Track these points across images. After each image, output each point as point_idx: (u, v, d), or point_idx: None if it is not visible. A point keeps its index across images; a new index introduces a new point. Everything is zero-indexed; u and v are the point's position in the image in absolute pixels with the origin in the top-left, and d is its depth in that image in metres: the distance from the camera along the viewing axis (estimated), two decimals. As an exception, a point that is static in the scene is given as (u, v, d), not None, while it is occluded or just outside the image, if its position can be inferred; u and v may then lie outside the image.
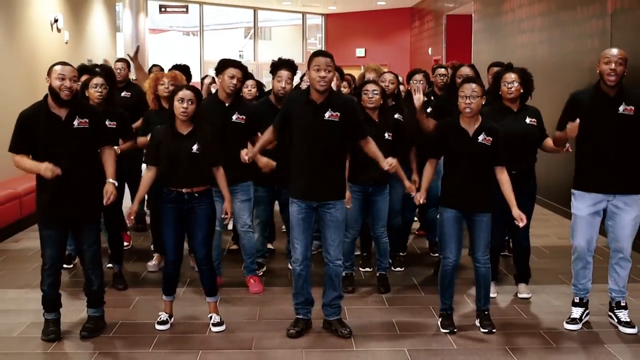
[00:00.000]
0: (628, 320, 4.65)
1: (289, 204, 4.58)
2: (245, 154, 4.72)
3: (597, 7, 7.69)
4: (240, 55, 22.15)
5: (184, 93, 4.47)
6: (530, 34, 9.86)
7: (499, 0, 11.43)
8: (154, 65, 7.97)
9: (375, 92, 5.19)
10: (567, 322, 4.73)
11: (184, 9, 18.95)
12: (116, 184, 4.44)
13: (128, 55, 5.90)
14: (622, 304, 4.71)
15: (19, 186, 7.63)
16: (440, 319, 4.70)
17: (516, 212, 4.44)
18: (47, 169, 4.14)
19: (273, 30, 25.70)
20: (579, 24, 8.17)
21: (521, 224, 4.45)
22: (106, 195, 4.35)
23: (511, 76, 5.01)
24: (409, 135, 5.57)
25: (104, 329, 4.63)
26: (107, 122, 5.28)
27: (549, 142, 5.05)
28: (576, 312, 4.75)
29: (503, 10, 11.22)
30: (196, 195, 4.57)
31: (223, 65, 5.26)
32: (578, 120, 4.40)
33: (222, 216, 4.77)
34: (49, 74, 4.30)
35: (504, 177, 4.50)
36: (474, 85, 4.41)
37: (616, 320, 4.70)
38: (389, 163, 4.47)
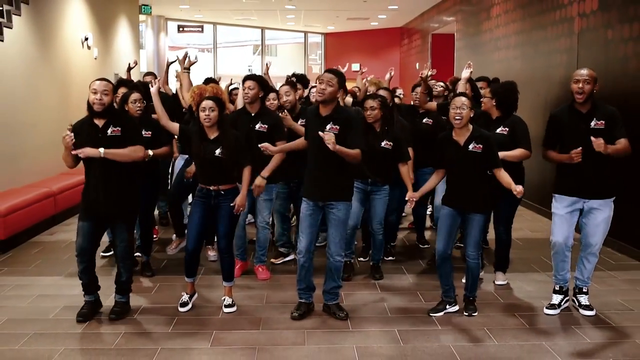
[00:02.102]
0: (587, 304, 4.68)
1: None
2: (266, 148, 4.68)
3: (565, 27, 7.70)
4: (249, 70, 22.17)
5: (206, 103, 4.52)
6: (506, 51, 9.87)
7: (478, 21, 11.44)
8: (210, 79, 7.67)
9: (373, 107, 5.15)
10: (547, 308, 4.71)
11: (200, 29, 18.98)
12: (102, 151, 4.27)
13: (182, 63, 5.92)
14: (584, 290, 4.72)
15: (53, 185, 7.63)
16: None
17: (514, 187, 4.25)
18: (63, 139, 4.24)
19: (279, 47, 25.67)
20: (549, 42, 8.18)
21: (519, 195, 4.25)
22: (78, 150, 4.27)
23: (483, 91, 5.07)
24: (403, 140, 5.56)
25: (129, 312, 4.64)
26: (143, 132, 5.30)
27: (515, 152, 4.86)
28: (556, 298, 4.74)
29: (482, 29, 11.23)
30: (222, 192, 4.58)
31: (243, 80, 5.32)
32: (580, 149, 4.36)
33: (231, 205, 4.69)
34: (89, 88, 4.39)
35: (501, 174, 4.41)
36: (463, 99, 4.40)
37: (577, 303, 4.72)
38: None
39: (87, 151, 4.27)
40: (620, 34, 6.47)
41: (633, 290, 5.22)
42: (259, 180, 5.10)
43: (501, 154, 4.65)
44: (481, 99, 5.18)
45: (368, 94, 5.91)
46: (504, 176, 4.40)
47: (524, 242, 6.81)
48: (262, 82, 5.34)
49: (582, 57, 7.19)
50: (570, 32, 7.57)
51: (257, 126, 5.23)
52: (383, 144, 5.16)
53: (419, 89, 6.02)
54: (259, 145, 4.73)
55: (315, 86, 6.08)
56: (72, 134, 4.26)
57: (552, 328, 4.43)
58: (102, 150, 4.27)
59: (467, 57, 12.11)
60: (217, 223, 4.64)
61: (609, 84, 6.57)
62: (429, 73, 5.85)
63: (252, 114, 5.28)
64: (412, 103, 6.27)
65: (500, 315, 4.66)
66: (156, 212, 7.18)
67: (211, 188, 4.57)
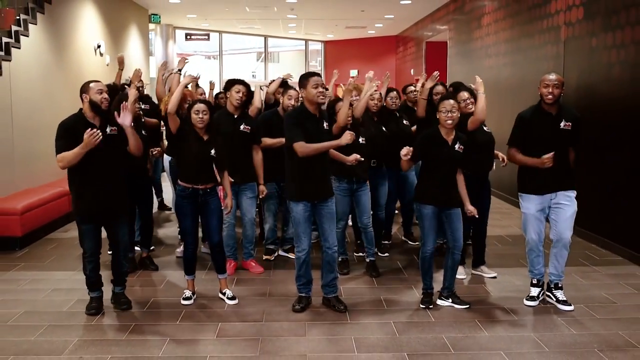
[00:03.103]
0: (564, 299, 4.66)
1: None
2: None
3: (552, 35, 7.69)
4: (253, 76, 22.15)
5: (199, 106, 4.52)
6: (496, 58, 9.86)
7: (470, 30, 11.43)
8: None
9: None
10: (526, 299, 4.73)
11: (206, 37, 18.96)
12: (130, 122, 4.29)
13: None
14: (559, 285, 4.71)
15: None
16: (421, 297, 4.69)
17: (469, 207, 4.52)
18: (89, 137, 4.03)
19: (281, 55, 25.66)
20: (537, 49, 8.17)
21: (475, 215, 4.52)
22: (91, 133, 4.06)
23: (464, 94, 5.04)
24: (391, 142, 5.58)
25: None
26: (143, 132, 5.32)
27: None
28: (534, 291, 4.75)
29: (473, 37, 11.22)
30: (208, 190, 4.60)
31: (230, 83, 5.29)
32: (552, 153, 4.41)
33: (222, 208, 4.73)
34: (85, 91, 4.26)
35: (460, 178, 4.58)
36: (452, 102, 4.40)
37: (555, 299, 4.69)
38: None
39: (128, 119, 4.22)
40: (604, 42, 6.46)
41: (616, 285, 5.22)
42: (263, 188, 5.35)
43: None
44: (466, 103, 5.09)
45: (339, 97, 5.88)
46: (461, 182, 4.56)
47: (513, 238, 6.80)
48: (249, 88, 5.39)
49: (568, 64, 7.19)
50: (557, 40, 7.56)
51: (242, 127, 5.24)
52: (361, 140, 5.16)
53: (392, 94, 5.99)
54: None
55: (290, 88, 6.02)
56: (100, 133, 4.11)
57: (539, 320, 4.42)
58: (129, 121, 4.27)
59: (460, 64, 12.11)
60: (208, 219, 4.64)
61: (594, 89, 6.57)
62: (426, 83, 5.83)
63: (235, 116, 5.27)
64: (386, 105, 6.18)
65: (491, 308, 4.66)
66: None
67: (200, 187, 4.57)
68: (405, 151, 4.41)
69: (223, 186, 4.77)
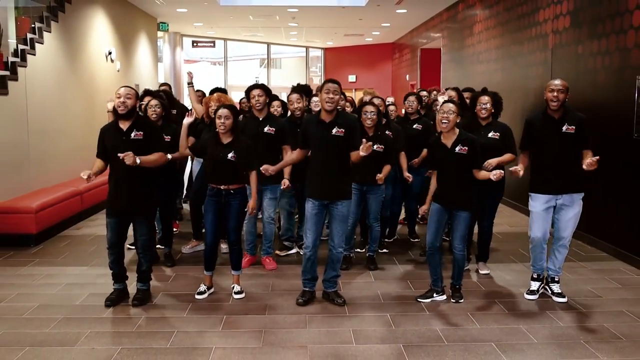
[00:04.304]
0: (559, 291, 4.68)
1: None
2: (268, 170, 4.61)
3: (541, 43, 7.70)
4: (256, 81, 22.15)
5: (221, 112, 4.50)
6: (487, 64, 9.87)
7: (462, 37, 11.44)
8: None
9: (373, 113, 5.16)
10: (526, 293, 4.73)
11: (212, 44, 18.97)
12: (138, 161, 4.20)
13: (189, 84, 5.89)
14: (556, 279, 4.73)
15: (80, 185, 7.63)
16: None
17: (491, 174, 4.23)
18: (84, 174, 4.14)
19: (283, 61, 25.65)
20: (526, 56, 8.18)
21: (494, 177, 4.20)
22: (123, 154, 4.15)
23: (484, 98, 4.99)
24: (397, 144, 5.54)
25: (150, 298, 4.64)
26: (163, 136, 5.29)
27: (506, 157, 4.90)
28: (534, 285, 4.75)
29: (465, 44, 11.22)
30: (232, 191, 4.56)
31: (249, 89, 5.29)
32: (522, 172, 4.42)
33: (245, 209, 4.71)
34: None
35: (479, 174, 4.40)
36: (450, 105, 4.38)
37: (550, 291, 4.72)
38: (364, 148, 4.17)
39: (128, 160, 4.15)
40: (589, 49, 6.47)
41: (601, 279, 5.22)
42: (286, 183, 5.17)
43: (496, 160, 4.76)
44: (482, 107, 5.01)
45: (364, 101, 5.88)
46: (481, 174, 4.41)
47: (504, 235, 6.81)
48: (267, 90, 5.35)
49: (556, 70, 7.20)
50: (544, 47, 7.57)
51: (266, 129, 5.23)
52: (375, 147, 5.12)
53: (411, 98, 6.01)
54: (261, 168, 4.64)
55: (315, 95, 6.05)
56: (91, 178, 4.15)
57: (528, 313, 4.43)
58: (138, 160, 4.22)
59: (453, 70, 12.12)
60: (227, 219, 4.62)
61: (580, 94, 6.57)
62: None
63: (260, 119, 5.27)
64: (403, 111, 6.25)
65: (482, 301, 4.66)
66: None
67: (222, 187, 4.55)
68: (421, 211, 4.71)
69: (251, 186, 4.68)
